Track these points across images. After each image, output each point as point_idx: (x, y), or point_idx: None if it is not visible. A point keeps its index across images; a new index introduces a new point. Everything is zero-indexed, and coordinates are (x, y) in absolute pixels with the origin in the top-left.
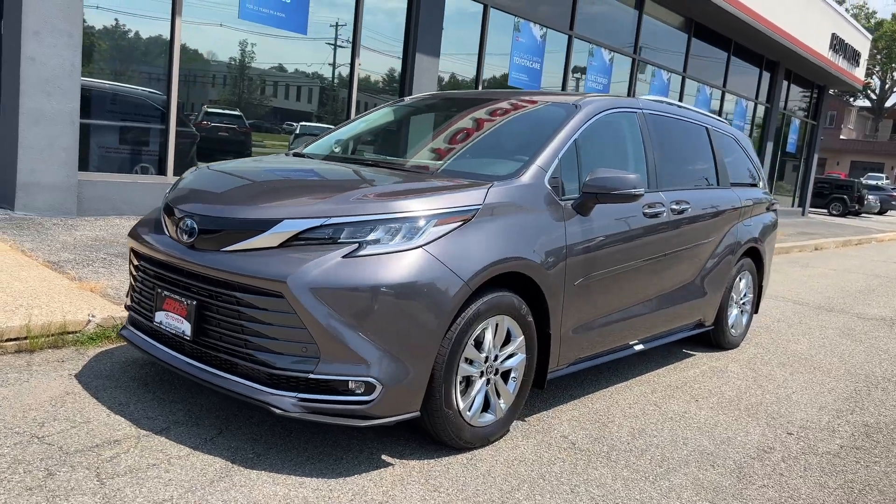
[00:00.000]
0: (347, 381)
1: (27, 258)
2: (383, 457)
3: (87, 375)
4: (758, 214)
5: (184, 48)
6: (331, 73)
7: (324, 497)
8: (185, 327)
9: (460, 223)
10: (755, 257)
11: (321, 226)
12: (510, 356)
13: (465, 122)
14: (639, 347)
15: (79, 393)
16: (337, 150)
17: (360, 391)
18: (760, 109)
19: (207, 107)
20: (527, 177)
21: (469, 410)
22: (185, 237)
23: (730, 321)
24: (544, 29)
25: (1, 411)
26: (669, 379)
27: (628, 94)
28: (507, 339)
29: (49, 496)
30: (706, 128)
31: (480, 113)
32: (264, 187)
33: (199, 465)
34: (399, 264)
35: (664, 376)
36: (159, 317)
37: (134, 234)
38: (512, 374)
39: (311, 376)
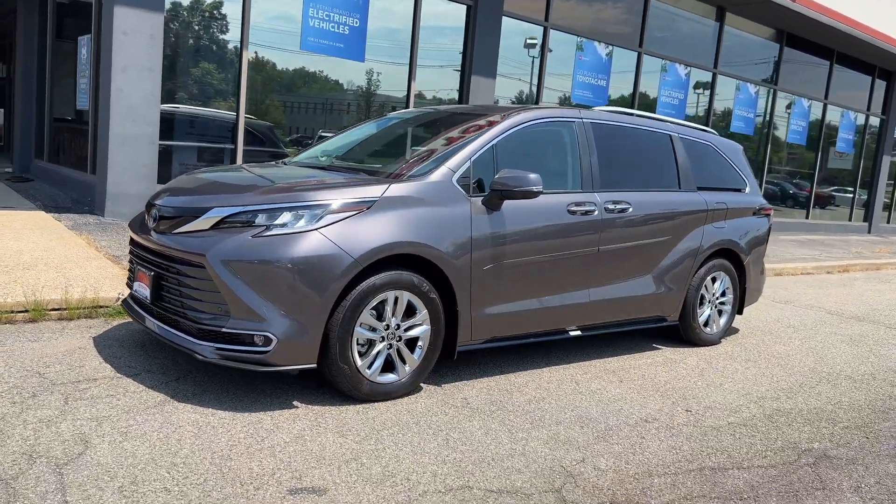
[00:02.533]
0: (252, 335)
1: (96, 252)
2: (294, 402)
3: (102, 338)
4: (737, 217)
5: (251, 76)
6: (390, 95)
7: (225, 422)
8: (147, 293)
9: (356, 212)
10: (733, 259)
11: (240, 212)
12: (414, 326)
13: (418, 132)
14: (575, 333)
15: (88, 349)
16: (317, 157)
17: (260, 343)
18: (875, 121)
19: (322, 131)
20: (435, 176)
21: (369, 368)
22: (152, 223)
23: (700, 319)
24: (609, 47)
25: (24, 356)
26: (611, 365)
27: (709, 109)
28: (413, 312)
29: (24, 408)
30: (670, 135)
31: (432, 125)
32: (213, 185)
33: (144, 398)
34: (296, 243)
35: (609, 363)
36: (136, 286)
37: (130, 223)
38: (419, 343)
39: (224, 330)
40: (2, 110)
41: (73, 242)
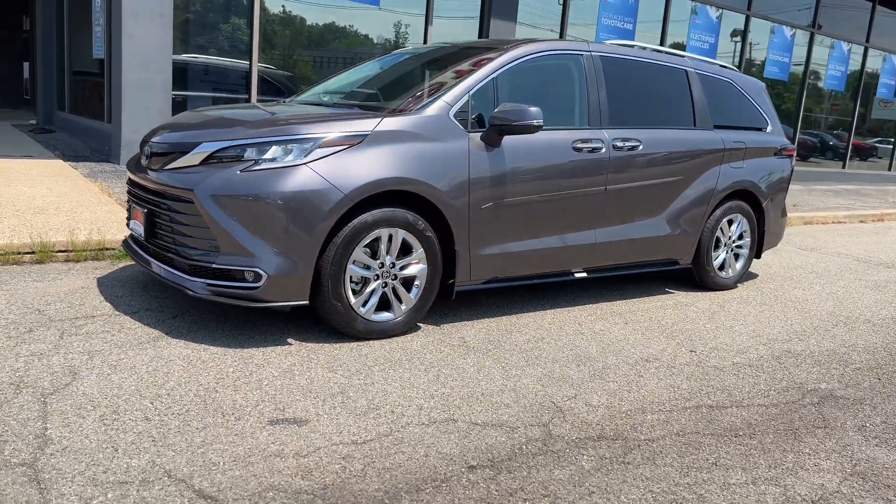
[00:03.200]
0: (242, 270)
1: (108, 198)
2: (288, 339)
3: (106, 279)
4: (756, 158)
5: (263, 23)
6: (404, 41)
7: (216, 357)
8: (141, 230)
9: (347, 146)
10: (751, 201)
11: (229, 147)
12: (409, 265)
13: (421, 68)
14: (580, 275)
15: (91, 288)
16: (319, 95)
17: (250, 279)
18: None
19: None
20: (431, 110)
21: (363, 307)
22: (145, 160)
23: (715, 262)
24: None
25: (27, 294)
26: (619, 307)
27: (741, 54)
28: (409, 251)
29: (19, 342)
30: (685, 71)
31: (437, 62)
32: (205, 121)
33: (139, 334)
34: (285, 178)
35: (616, 306)
36: (132, 224)
37: (128, 163)
38: (415, 282)
39: (214, 266)
40: (27, 63)
41: (86, 189)
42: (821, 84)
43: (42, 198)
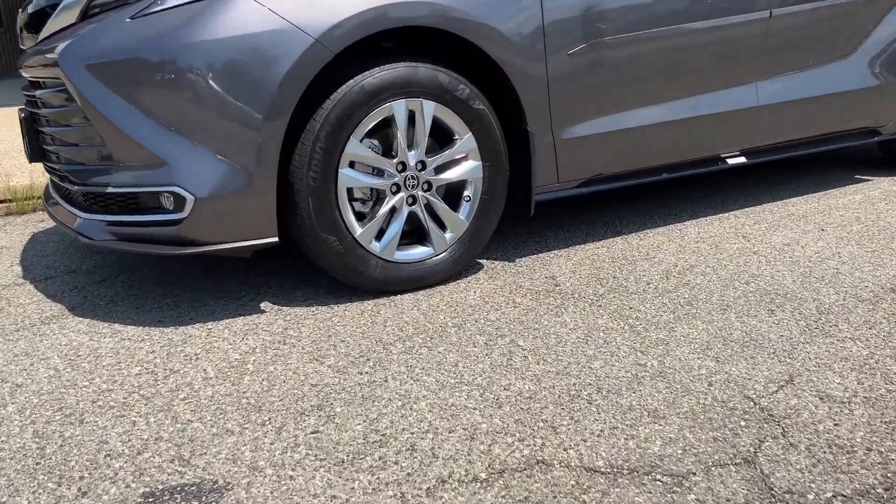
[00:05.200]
0: (151, 192)
1: None
2: (263, 304)
3: (45, 234)
4: None
5: None
6: None
7: (128, 348)
8: (28, 150)
9: None
10: None
11: None
12: (452, 163)
13: None
14: (737, 161)
15: (14, 248)
16: None
17: (168, 206)
18: None
19: None
20: None
21: (377, 241)
22: (21, 42)
23: None
24: None
25: None
26: (796, 208)
27: None
28: (448, 139)
29: None
30: None
31: None
32: None
33: (28, 312)
34: (206, 20)
35: (792, 205)
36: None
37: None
38: (465, 192)
39: (110, 190)
40: None
41: None
42: None
43: None
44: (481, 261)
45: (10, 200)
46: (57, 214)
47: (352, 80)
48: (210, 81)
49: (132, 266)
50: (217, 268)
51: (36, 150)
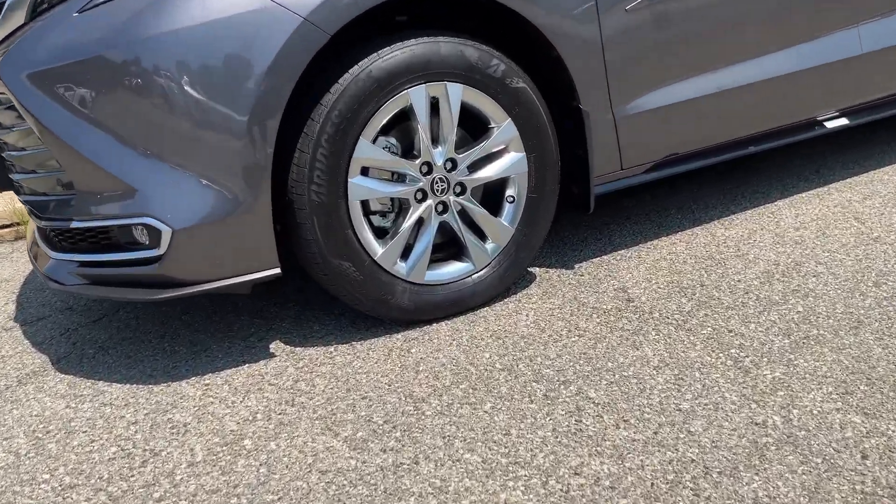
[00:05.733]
0: (122, 226)
1: None
2: (273, 344)
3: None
4: None
5: None
6: None
7: (108, 417)
8: None
9: None
10: None
11: None
12: (489, 159)
13: None
14: (837, 123)
15: (14, 281)
16: None
17: (142, 240)
18: None
19: None
20: None
21: (403, 260)
22: None
23: None
24: None
25: None
26: None
27: None
28: (483, 128)
29: None
30: None
31: None
32: None
33: (11, 366)
34: (170, 6)
35: None
36: None
37: None
38: (508, 191)
39: (75, 224)
40: None
41: None
42: None
43: None
44: (533, 269)
45: (19, 224)
46: (37, 255)
47: (356, 67)
48: (178, 81)
49: (112, 305)
50: (226, 296)
51: (4, 177)
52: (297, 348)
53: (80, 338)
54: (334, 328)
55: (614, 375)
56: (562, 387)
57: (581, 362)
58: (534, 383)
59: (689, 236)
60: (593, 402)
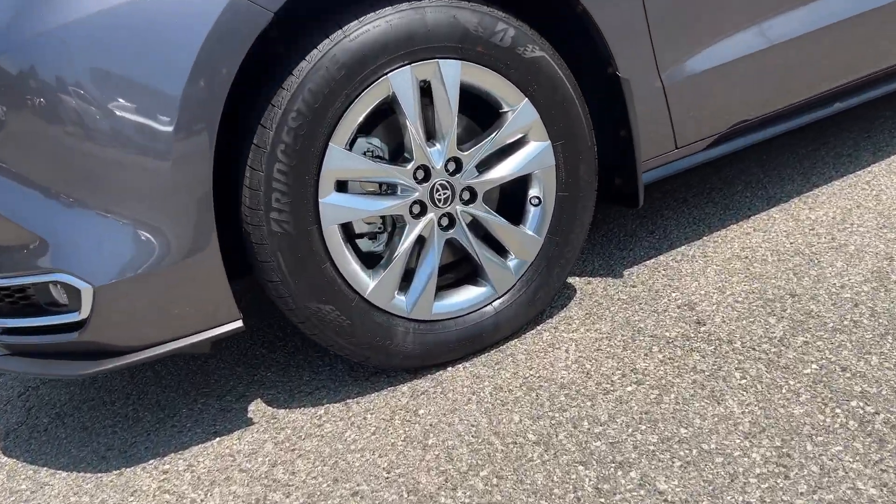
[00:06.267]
0: (44, 284)
1: None
2: (253, 406)
3: None
4: None
5: None
6: None
7: None
8: None
9: None
10: None
11: None
12: (501, 153)
13: None
14: None
15: None
16: None
17: (62, 301)
18: None
19: None
20: None
21: (403, 292)
22: None
23: None
24: None
25: None
26: None
27: None
28: (493, 116)
29: None
30: None
31: None
32: None
33: None
34: None
35: None
36: None
37: None
38: (531, 192)
39: None
40: None
41: None
42: None
43: None
44: (571, 279)
45: None
46: None
47: (315, 51)
48: (78, 90)
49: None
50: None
51: None
52: (281, 411)
53: (38, 401)
54: (328, 378)
55: (690, 451)
56: (619, 473)
57: (643, 427)
58: (580, 467)
59: (766, 221)
60: (665, 501)
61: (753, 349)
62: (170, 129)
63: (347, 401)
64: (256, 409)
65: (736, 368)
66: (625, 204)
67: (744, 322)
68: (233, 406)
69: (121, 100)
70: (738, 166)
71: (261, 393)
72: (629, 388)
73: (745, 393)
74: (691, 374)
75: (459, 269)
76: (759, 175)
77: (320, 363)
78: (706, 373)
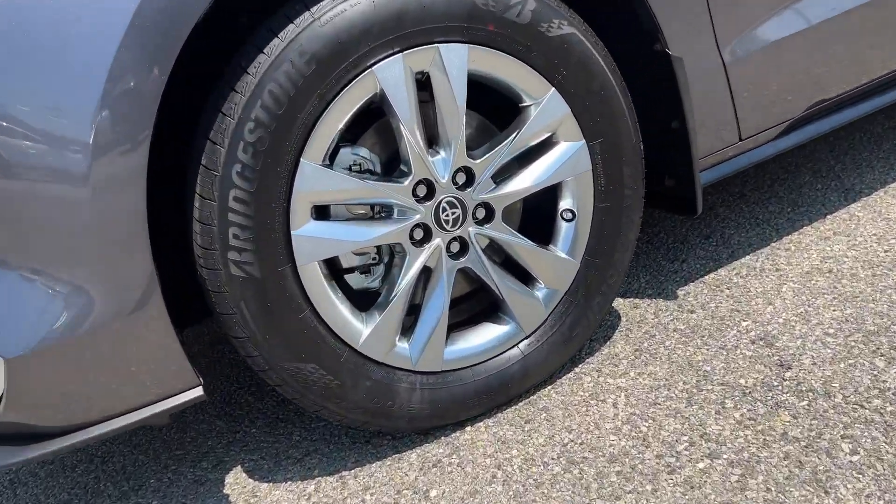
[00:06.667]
0: None
1: None
2: (230, 478)
3: None
4: None
5: None
6: None
7: None
8: None
9: None
10: None
11: None
12: (522, 158)
13: None
14: None
15: None
16: None
17: None
18: None
19: None
20: None
21: (405, 338)
22: None
23: None
24: None
25: None
26: None
27: None
28: (511, 113)
29: None
30: None
31: None
32: None
33: None
34: None
35: None
36: None
37: None
38: (562, 205)
39: None
40: None
41: None
42: None
43: None
44: (614, 302)
45: None
46: None
47: (277, 41)
48: None
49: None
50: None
51: None
52: (263, 485)
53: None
54: (321, 438)
55: None
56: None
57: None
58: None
59: (847, 222)
60: None
61: (861, 406)
62: (83, 150)
63: (343, 473)
64: (235, 480)
65: (842, 437)
66: (678, 211)
67: (842, 365)
68: (208, 476)
69: (17, 112)
70: (802, 151)
71: (242, 458)
72: (700, 465)
73: (860, 477)
74: (781, 443)
75: (475, 300)
76: (830, 161)
77: (313, 416)
78: (802, 443)
